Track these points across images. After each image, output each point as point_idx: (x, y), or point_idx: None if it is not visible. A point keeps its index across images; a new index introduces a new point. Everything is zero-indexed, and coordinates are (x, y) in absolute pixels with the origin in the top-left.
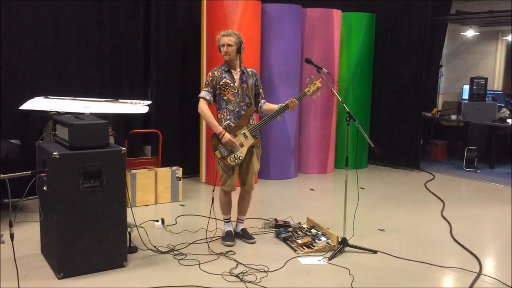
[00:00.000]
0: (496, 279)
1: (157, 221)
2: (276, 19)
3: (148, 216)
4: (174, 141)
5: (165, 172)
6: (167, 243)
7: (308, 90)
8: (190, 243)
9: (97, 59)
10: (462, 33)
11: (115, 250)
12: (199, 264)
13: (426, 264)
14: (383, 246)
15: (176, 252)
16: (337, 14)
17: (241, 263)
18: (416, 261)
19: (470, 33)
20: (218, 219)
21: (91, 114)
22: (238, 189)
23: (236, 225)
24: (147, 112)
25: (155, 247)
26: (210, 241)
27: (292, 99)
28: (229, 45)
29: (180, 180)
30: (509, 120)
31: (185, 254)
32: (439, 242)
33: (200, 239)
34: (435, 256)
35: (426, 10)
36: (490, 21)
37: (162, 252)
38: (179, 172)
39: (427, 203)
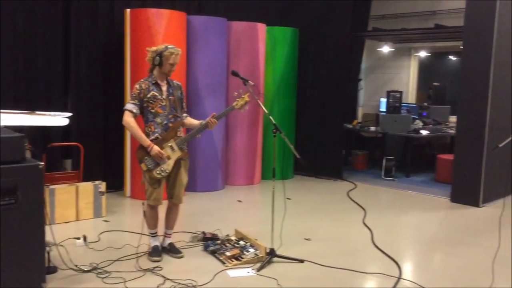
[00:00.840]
0: (414, 283)
1: (79, 238)
2: (202, 31)
3: (68, 233)
4: (97, 154)
5: (87, 187)
6: (89, 262)
7: (236, 104)
8: (115, 260)
9: (12, 68)
10: (378, 49)
11: (32, 271)
12: (125, 281)
13: (350, 271)
14: (309, 255)
15: (99, 271)
16: (261, 27)
17: (168, 279)
18: (340, 268)
19: (386, 49)
20: (145, 234)
21: (5, 127)
22: (165, 202)
23: (163, 239)
24: (67, 125)
25: (76, 266)
26: (136, 257)
27: (211, 119)
28: (176, 64)
29: (103, 194)
30: (422, 131)
31: (109, 272)
32: (361, 249)
33: (126, 256)
34: (358, 262)
35: (346, 27)
36: (403, 38)
37: (84, 271)
38: (102, 186)
39: (350, 212)
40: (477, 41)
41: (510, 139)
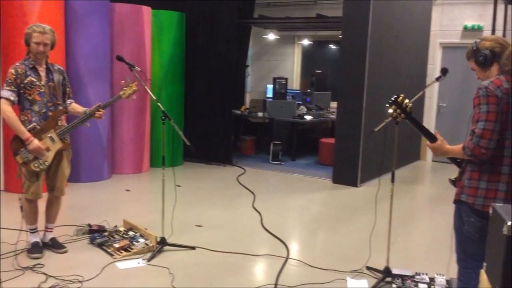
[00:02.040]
0: (301, 261)
1: None
2: (81, 12)
3: None
4: None
5: None
6: None
7: (123, 93)
8: None
9: None
10: (264, 36)
11: None
12: (0, 282)
13: (241, 255)
14: (201, 242)
15: None
16: (146, 11)
17: (51, 276)
18: (232, 252)
19: (271, 36)
20: (23, 230)
21: None
22: (45, 195)
23: (44, 234)
24: None
25: None
26: (14, 255)
27: (98, 111)
28: (45, 44)
29: None
30: (306, 116)
31: None
32: (252, 233)
33: (1, 255)
34: (249, 246)
35: (232, 13)
36: (287, 26)
37: None
38: None
39: (239, 196)
40: (354, 31)
41: (384, 123)
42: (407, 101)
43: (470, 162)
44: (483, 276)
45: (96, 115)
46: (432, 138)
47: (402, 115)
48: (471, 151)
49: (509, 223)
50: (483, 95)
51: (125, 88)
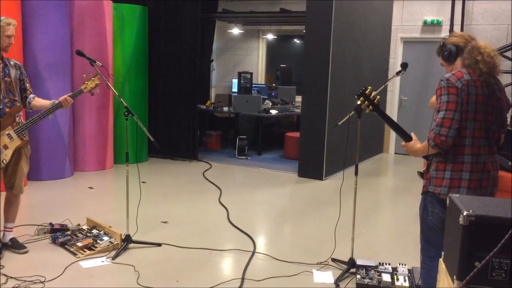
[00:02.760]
0: (267, 255)
1: None
2: (40, 5)
3: None
4: None
5: None
6: None
7: (85, 87)
8: None
9: None
10: (229, 31)
11: None
12: None
13: (208, 250)
14: (167, 238)
15: None
16: (107, 4)
17: (12, 277)
18: (198, 248)
19: (236, 30)
20: None
21: None
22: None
23: (4, 234)
24: None
25: None
26: None
27: (66, 97)
28: (12, 35)
29: None
30: (272, 111)
31: None
32: (218, 228)
33: None
34: (216, 241)
35: (196, 7)
36: (252, 21)
37: None
38: None
39: (206, 192)
40: (317, 26)
41: (347, 117)
42: (374, 93)
43: (436, 154)
44: (441, 265)
45: (64, 103)
46: (404, 135)
47: (371, 107)
48: (433, 141)
49: (464, 213)
50: (444, 86)
51: (86, 82)
